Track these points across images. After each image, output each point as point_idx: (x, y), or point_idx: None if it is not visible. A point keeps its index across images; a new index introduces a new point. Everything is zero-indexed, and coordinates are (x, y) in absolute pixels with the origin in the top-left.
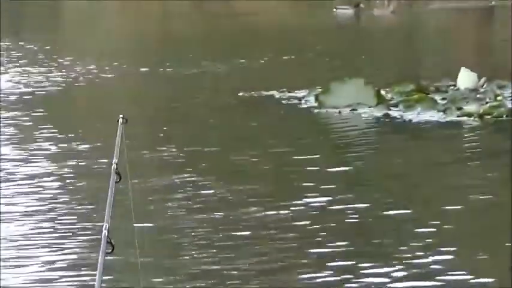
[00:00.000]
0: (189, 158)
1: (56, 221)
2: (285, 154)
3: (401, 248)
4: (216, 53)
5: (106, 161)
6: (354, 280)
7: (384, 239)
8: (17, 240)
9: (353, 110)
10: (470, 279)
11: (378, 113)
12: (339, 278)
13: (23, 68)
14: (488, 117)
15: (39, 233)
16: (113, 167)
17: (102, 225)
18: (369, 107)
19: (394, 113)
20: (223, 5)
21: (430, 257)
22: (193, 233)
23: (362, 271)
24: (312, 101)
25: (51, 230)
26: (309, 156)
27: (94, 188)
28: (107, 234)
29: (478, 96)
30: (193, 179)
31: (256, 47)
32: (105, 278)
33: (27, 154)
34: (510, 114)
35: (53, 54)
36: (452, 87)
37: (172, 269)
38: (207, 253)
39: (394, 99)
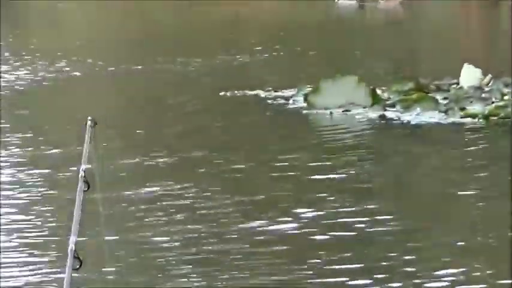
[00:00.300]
0: (165, 165)
1: (20, 235)
2: (270, 161)
3: (403, 262)
4: (195, 48)
5: (74, 167)
6: None
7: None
8: None
9: (346, 111)
10: None
11: (373, 114)
12: None
13: None
14: (494, 118)
15: (1, 249)
16: (80, 174)
17: (69, 239)
18: (363, 108)
19: (391, 114)
20: None
21: (437, 272)
22: (169, 246)
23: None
24: (300, 101)
25: (15, 244)
26: (297, 164)
27: (60, 198)
28: (74, 248)
29: (483, 95)
30: (169, 187)
31: (241, 42)
32: None
33: None
34: None
35: (19, 53)
36: (454, 86)
37: (146, 283)
38: (182, 269)
39: (390, 98)
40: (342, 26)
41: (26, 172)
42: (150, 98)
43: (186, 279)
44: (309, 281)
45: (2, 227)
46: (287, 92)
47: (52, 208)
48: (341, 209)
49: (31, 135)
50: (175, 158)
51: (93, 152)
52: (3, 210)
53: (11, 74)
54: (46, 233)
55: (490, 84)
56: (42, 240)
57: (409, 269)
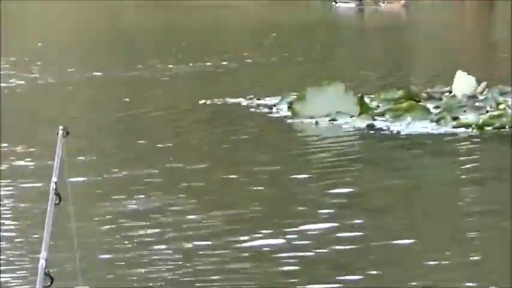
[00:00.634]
0: (142, 177)
1: None
2: (255, 173)
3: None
4: (173, 53)
5: (44, 179)
6: None
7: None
8: None
9: (332, 120)
10: None
11: (361, 123)
12: None
13: None
14: (489, 128)
15: None
16: (51, 186)
17: (40, 255)
18: (351, 117)
19: (380, 123)
20: None
21: None
22: (145, 263)
23: None
24: (284, 110)
25: None
26: (283, 176)
27: (31, 211)
28: (44, 264)
29: (476, 104)
30: (147, 200)
31: (222, 46)
32: None
33: None
34: None
35: None
36: (447, 94)
37: None
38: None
39: (379, 107)
40: (336, 30)
41: None
42: (126, 106)
43: None
44: None
45: None
46: (270, 100)
47: (21, 222)
48: (332, 223)
49: (3, 145)
50: (152, 170)
51: (65, 163)
52: None
53: None
54: (15, 248)
55: (484, 93)
56: (11, 256)
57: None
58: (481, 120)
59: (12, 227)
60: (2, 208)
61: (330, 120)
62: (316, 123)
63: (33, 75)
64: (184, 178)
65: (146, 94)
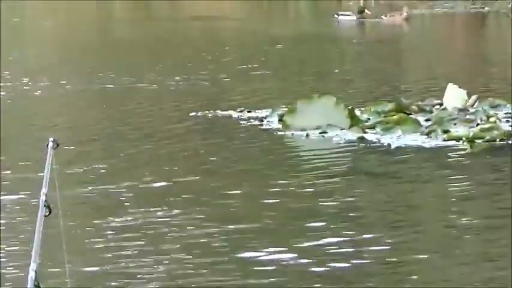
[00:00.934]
0: (131, 189)
1: None
2: (249, 187)
3: None
4: (162, 65)
5: (34, 191)
6: None
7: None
8: None
9: (323, 132)
10: None
11: (352, 136)
12: None
13: None
14: (480, 141)
15: None
16: (41, 198)
17: (29, 268)
18: (341, 129)
19: (371, 136)
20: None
21: None
22: (136, 276)
23: None
24: (275, 122)
25: None
26: (271, 189)
27: (20, 224)
28: (34, 277)
29: (467, 117)
30: (139, 214)
31: (212, 58)
32: None
33: None
34: (506, 137)
35: None
36: (438, 107)
37: None
38: None
39: (370, 120)
40: (333, 42)
41: None
42: (116, 118)
43: None
44: None
45: None
46: (261, 113)
47: (10, 234)
48: (332, 238)
49: None
50: (143, 181)
51: (55, 175)
52: None
53: None
54: (4, 259)
55: (475, 106)
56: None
57: None
58: (471, 133)
59: (1, 238)
60: None
61: (320, 133)
62: (307, 135)
63: (22, 86)
64: (176, 190)
65: (136, 105)
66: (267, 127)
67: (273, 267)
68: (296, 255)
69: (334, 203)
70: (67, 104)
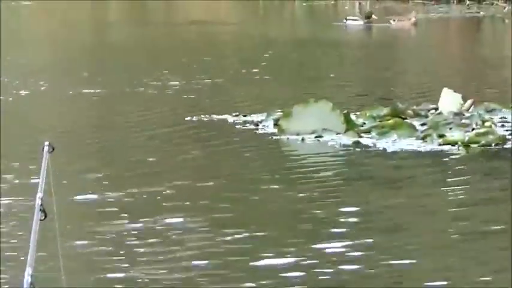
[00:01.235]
0: (126, 195)
1: None
2: (241, 191)
3: None
4: (158, 69)
5: (30, 195)
6: None
7: None
8: None
9: (318, 137)
10: None
11: (347, 140)
12: None
13: None
14: (475, 146)
15: None
16: (37, 202)
17: (25, 272)
18: (337, 134)
19: (366, 140)
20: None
21: None
22: (133, 285)
23: None
24: (270, 127)
25: None
26: (267, 195)
27: (15, 228)
28: (29, 280)
29: (463, 121)
30: (137, 220)
31: (209, 62)
32: None
33: None
34: (501, 142)
35: None
36: (433, 111)
37: None
38: None
39: (365, 124)
40: (337, 47)
41: None
42: (111, 122)
43: None
44: None
45: None
46: (256, 117)
47: (6, 239)
48: (334, 243)
49: None
50: (137, 187)
51: (50, 179)
52: None
53: None
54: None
55: (470, 110)
56: None
57: None
58: (467, 138)
59: None
60: None
61: (315, 137)
62: (302, 139)
63: (18, 90)
64: (173, 195)
65: (132, 109)
66: (263, 131)
67: (279, 273)
68: (303, 260)
69: (332, 208)
70: (63, 108)
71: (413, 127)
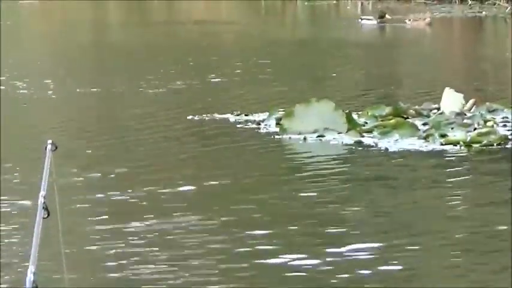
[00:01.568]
0: (129, 193)
1: None
2: (245, 192)
3: None
4: (159, 68)
5: (33, 194)
6: None
7: None
8: None
9: (320, 136)
10: None
11: (349, 140)
12: None
13: None
14: (477, 145)
15: None
16: (40, 200)
17: (27, 270)
18: (339, 133)
19: (368, 140)
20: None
21: None
22: (136, 284)
23: None
24: (272, 126)
25: None
26: (269, 195)
27: (18, 226)
28: (32, 278)
29: (465, 121)
30: (134, 218)
31: (211, 62)
32: None
33: None
34: (503, 142)
35: None
36: (435, 111)
37: None
38: None
39: (367, 124)
40: (346, 46)
41: None
42: (113, 121)
43: None
44: None
45: None
46: (258, 116)
47: (9, 237)
48: (357, 245)
49: None
50: (140, 186)
51: (53, 177)
52: None
53: None
54: (2, 262)
55: (472, 110)
56: None
57: None
58: (469, 138)
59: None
60: None
61: (317, 137)
62: (304, 139)
63: (20, 89)
64: (176, 194)
65: (133, 109)
66: (264, 130)
67: (291, 273)
68: (313, 261)
69: (337, 209)
70: (65, 107)
71: (415, 127)
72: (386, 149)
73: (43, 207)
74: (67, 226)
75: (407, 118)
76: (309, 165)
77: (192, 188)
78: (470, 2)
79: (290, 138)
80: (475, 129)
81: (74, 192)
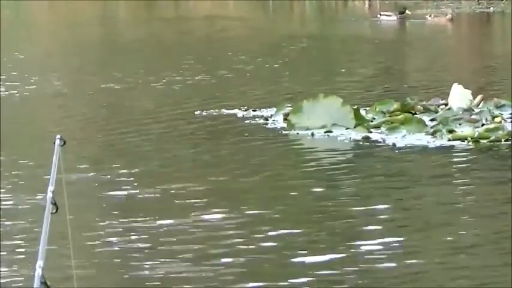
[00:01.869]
0: (138, 189)
1: None
2: (258, 188)
3: None
4: (168, 64)
5: (41, 188)
6: None
7: None
8: None
9: (328, 132)
10: None
11: (357, 135)
12: None
13: None
14: (485, 141)
15: None
16: (48, 195)
17: (36, 265)
18: (346, 129)
19: (376, 135)
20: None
21: None
22: (145, 280)
23: None
24: (280, 121)
25: None
26: (276, 193)
27: (26, 222)
28: (40, 273)
29: (472, 117)
30: (143, 214)
31: (220, 57)
32: None
33: None
34: (511, 137)
35: None
36: (443, 107)
37: None
38: None
39: (375, 119)
40: (363, 42)
41: None
42: (121, 117)
43: None
44: None
45: None
46: (266, 112)
47: (17, 232)
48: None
49: None
50: (149, 182)
51: (62, 172)
52: None
53: None
54: (11, 257)
55: (480, 106)
56: (7, 265)
57: None
58: (476, 134)
59: (7, 235)
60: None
61: (325, 132)
62: (312, 134)
63: (28, 85)
64: (186, 190)
65: (141, 104)
66: (272, 126)
67: (311, 270)
68: (329, 257)
69: (346, 204)
70: (73, 102)
71: (422, 122)
72: (394, 144)
73: (52, 203)
74: (76, 221)
75: (415, 114)
76: (317, 161)
77: (200, 183)
78: None
79: (298, 133)
80: (482, 125)
81: (82, 186)
